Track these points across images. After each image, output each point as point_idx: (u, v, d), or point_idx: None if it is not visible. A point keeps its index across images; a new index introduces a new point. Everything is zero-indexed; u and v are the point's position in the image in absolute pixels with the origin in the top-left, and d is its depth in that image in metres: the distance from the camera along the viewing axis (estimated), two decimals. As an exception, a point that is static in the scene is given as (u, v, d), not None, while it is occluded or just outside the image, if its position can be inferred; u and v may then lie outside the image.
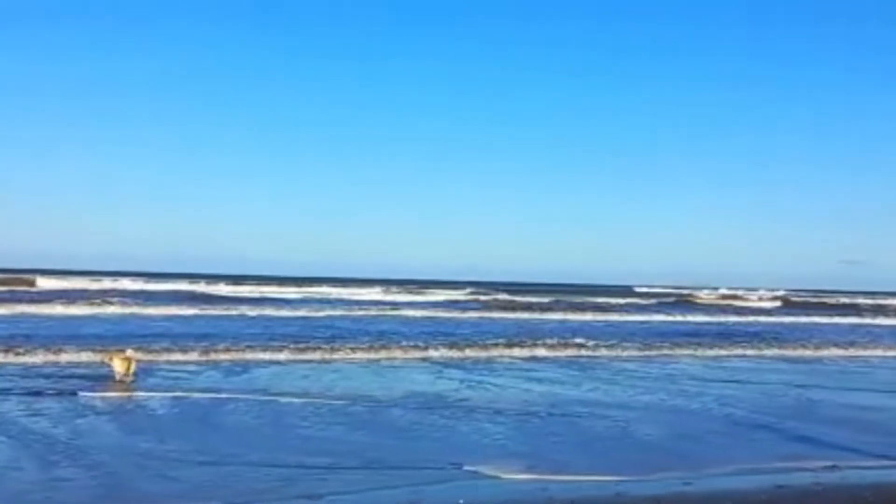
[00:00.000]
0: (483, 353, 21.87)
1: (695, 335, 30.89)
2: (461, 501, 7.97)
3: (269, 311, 35.76)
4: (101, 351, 16.79)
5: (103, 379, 15.04)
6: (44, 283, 48.67)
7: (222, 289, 52.03)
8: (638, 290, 72.67)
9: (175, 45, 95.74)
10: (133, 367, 15.34)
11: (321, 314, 35.77)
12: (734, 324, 40.87)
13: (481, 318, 38.07)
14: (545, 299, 52.32)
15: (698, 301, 64.35)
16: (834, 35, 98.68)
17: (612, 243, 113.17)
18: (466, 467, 9.38)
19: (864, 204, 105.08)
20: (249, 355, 19.49)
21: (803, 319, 46.07)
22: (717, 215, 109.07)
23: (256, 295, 50.01)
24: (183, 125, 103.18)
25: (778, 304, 65.27)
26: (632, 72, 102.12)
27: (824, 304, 64.38)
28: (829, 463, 10.17)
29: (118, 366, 15.20)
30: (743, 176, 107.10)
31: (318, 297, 52.01)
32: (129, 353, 15.86)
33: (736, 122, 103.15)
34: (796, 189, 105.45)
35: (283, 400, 13.56)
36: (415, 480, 8.76)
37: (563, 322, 36.98)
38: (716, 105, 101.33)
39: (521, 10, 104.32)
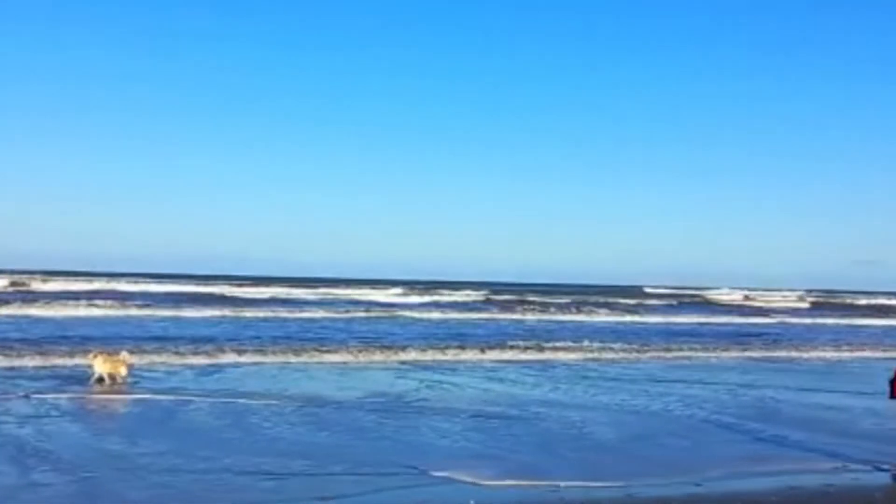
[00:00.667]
0: (462, 356, 22.01)
1: (693, 336, 31.00)
2: (472, 502, 8.17)
3: (268, 313, 36.02)
4: (86, 352, 16.88)
5: (87, 380, 15.30)
6: (42, 285, 49.13)
7: (235, 290, 52.47)
8: (654, 290, 72.23)
9: (180, 40, 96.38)
10: (124, 370, 15.54)
11: (321, 315, 36.09)
12: (741, 325, 40.78)
13: (485, 319, 38.28)
14: (559, 301, 52.55)
15: (712, 302, 63.89)
16: (847, 25, 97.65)
17: (634, 243, 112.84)
18: (434, 473, 9.37)
19: (878, 203, 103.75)
20: (231, 358, 19.74)
21: (826, 321, 45.71)
22: (731, 214, 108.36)
23: (265, 296, 50.36)
24: (188, 122, 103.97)
25: (800, 305, 64.63)
26: (635, 66, 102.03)
27: (851, 304, 63.81)
28: (837, 464, 10.36)
29: (100, 367, 15.37)
30: (756, 174, 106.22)
31: (331, 298, 52.35)
32: (124, 355, 16.12)
33: (744, 118, 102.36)
34: (809, 188, 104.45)
35: (251, 401, 13.79)
36: (391, 485, 8.84)
37: (560, 323, 37.21)
38: (725, 99, 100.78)
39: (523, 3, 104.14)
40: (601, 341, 26.61)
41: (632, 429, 12.59)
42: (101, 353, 16.19)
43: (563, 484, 8.95)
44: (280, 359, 20.04)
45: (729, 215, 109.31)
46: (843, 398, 16.54)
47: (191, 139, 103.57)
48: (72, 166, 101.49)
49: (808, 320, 46.07)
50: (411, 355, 21.60)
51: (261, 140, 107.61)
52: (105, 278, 55.60)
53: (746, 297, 68.13)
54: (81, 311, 32.80)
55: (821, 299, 69.02)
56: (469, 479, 9.09)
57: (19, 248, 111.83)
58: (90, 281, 52.45)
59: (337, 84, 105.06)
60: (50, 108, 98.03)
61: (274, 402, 13.83)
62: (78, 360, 17.26)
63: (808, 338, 32.41)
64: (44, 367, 17.26)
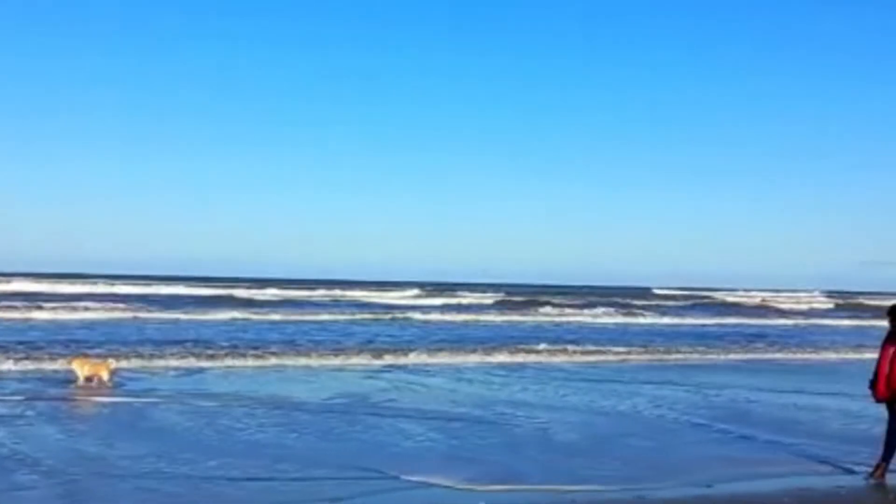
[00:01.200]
0: (451, 359, 21.99)
1: (698, 338, 31.05)
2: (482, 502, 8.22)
3: (273, 316, 36.10)
4: (73, 355, 16.96)
5: (69, 384, 15.44)
6: (49, 287, 49.71)
7: (245, 293, 52.82)
8: (665, 291, 71.90)
9: (185, 42, 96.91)
10: (106, 373, 15.68)
11: (324, 318, 36.22)
12: (746, 325, 40.73)
13: (489, 322, 38.27)
14: (571, 302, 52.94)
15: (726, 303, 63.35)
16: (859, 20, 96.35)
17: (646, 243, 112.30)
18: (405, 477, 9.32)
19: (885, 202, 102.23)
20: (218, 361, 19.77)
21: (842, 322, 45.28)
22: (747, 215, 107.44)
23: (276, 299, 50.68)
24: (198, 124, 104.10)
25: (816, 306, 63.98)
26: (642, 66, 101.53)
27: (865, 305, 63.13)
28: (849, 467, 10.33)
29: (81, 370, 15.56)
30: (770, 175, 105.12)
31: (345, 300, 52.66)
32: (109, 361, 16.35)
33: (753, 117, 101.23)
34: (814, 188, 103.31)
35: (230, 404, 13.87)
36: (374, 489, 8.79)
37: (558, 325, 37.44)
38: (736, 99, 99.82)
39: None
40: (601, 344, 26.62)
41: (599, 429, 12.64)
42: (82, 356, 16.35)
43: (556, 488, 8.92)
44: (270, 362, 20.13)
45: (744, 217, 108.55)
46: (822, 399, 16.48)
47: (206, 142, 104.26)
48: (80, 169, 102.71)
49: (826, 321, 45.68)
50: (404, 358, 21.59)
51: (283, 142, 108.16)
52: (108, 281, 56.30)
53: (764, 300, 67.54)
54: (80, 314, 33.14)
55: (837, 301, 68.30)
56: (449, 484, 9.06)
57: (27, 252, 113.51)
58: (94, 284, 53.15)
59: (351, 85, 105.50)
60: (60, 112, 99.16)
61: (252, 405, 13.91)
62: (66, 364, 17.29)
63: (814, 339, 32.20)
64: (30, 371, 17.36)
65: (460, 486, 8.94)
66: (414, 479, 9.23)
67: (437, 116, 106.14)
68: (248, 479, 9.11)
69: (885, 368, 9.53)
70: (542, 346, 24.73)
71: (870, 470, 9.76)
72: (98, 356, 17.65)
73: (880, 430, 9.85)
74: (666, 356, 24.76)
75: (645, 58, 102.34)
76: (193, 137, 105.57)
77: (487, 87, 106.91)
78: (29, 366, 17.96)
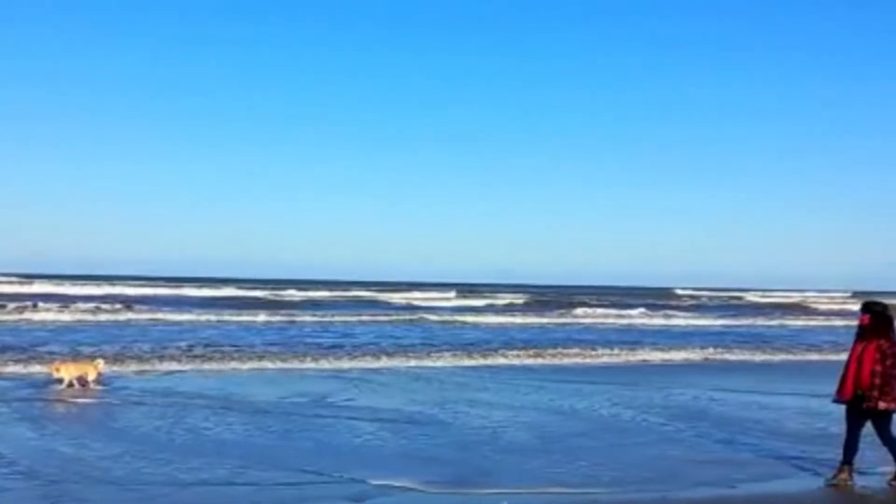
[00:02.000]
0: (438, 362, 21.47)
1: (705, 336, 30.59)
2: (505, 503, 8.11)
3: (282, 318, 35.96)
4: (55, 364, 16.25)
5: (53, 385, 15.32)
6: (66, 289, 50.31)
7: (259, 293, 53.15)
8: (693, 293, 71.08)
9: (200, 45, 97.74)
10: (92, 375, 15.57)
11: (326, 320, 36.07)
12: (761, 327, 40.42)
13: (491, 323, 37.67)
14: (585, 301, 52.62)
15: (754, 304, 62.35)
16: (872, 23, 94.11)
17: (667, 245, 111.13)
18: (374, 481, 9.00)
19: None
20: (209, 364, 19.43)
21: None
22: (771, 215, 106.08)
23: (293, 299, 50.95)
24: (201, 125, 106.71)
25: (850, 308, 62.60)
26: (656, 67, 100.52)
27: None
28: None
29: (66, 372, 15.45)
30: (797, 175, 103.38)
31: (364, 300, 52.79)
32: (97, 361, 16.28)
33: (770, 119, 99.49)
34: (838, 188, 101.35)
35: (205, 406, 13.71)
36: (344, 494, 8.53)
37: (561, 326, 36.93)
38: (747, 100, 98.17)
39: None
40: (610, 345, 26.12)
41: (549, 429, 12.38)
42: (68, 358, 16.23)
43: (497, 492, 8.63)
44: (260, 364, 19.83)
45: (771, 217, 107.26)
46: (787, 399, 15.96)
47: (219, 143, 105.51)
48: (86, 171, 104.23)
49: (853, 322, 44.65)
50: (376, 361, 21.04)
51: (285, 143, 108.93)
52: (119, 282, 56.94)
53: (796, 300, 66.33)
54: (87, 315, 33.34)
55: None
56: (416, 487, 8.82)
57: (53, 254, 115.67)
58: (105, 285, 53.72)
59: (354, 87, 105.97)
60: (67, 114, 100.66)
61: (225, 407, 13.70)
62: (53, 371, 17.16)
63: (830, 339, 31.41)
64: (17, 373, 17.21)
65: (430, 491, 8.71)
66: (386, 482, 8.93)
67: (433, 118, 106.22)
68: (230, 484, 8.93)
69: (854, 367, 8.99)
70: (550, 350, 24.34)
71: (888, 478, 9.27)
72: (88, 357, 17.58)
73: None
74: (678, 357, 24.34)
75: (645, 57, 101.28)
76: (204, 139, 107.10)
77: (488, 88, 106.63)
78: (16, 367, 17.84)
